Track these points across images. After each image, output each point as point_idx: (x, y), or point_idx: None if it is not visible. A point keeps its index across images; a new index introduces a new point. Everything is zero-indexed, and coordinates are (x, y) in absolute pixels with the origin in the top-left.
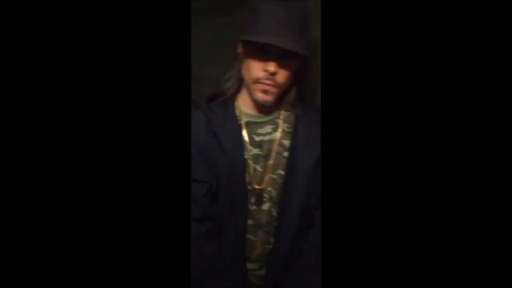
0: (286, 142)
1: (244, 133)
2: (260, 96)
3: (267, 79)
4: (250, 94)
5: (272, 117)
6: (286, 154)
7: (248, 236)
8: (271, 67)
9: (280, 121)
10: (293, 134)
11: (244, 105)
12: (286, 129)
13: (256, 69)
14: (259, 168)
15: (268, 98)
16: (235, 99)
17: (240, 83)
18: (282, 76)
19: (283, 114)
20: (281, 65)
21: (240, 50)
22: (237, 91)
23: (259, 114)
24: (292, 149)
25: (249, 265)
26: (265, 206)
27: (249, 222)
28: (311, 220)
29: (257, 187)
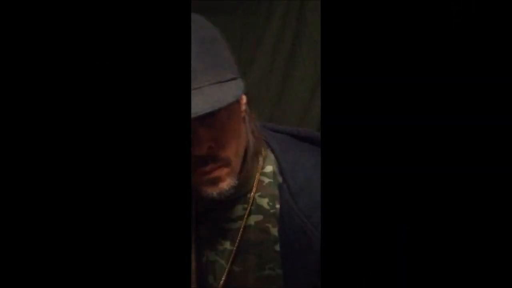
0: (272, 228)
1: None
2: (210, 190)
3: (205, 158)
4: (198, 191)
5: (243, 191)
6: (276, 247)
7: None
8: (207, 142)
9: (257, 196)
10: (280, 217)
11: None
12: (269, 209)
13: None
14: (236, 268)
15: (223, 185)
16: None
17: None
18: (226, 146)
19: (261, 183)
20: (215, 125)
21: None
22: None
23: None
24: (281, 241)
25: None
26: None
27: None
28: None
29: None
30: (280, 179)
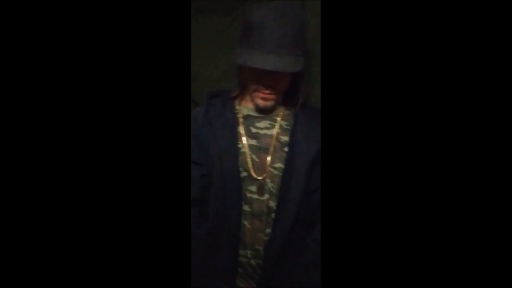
0: (284, 138)
1: (241, 126)
2: (261, 102)
3: (266, 88)
4: (251, 98)
5: (272, 114)
6: (286, 149)
7: (244, 222)
8: (269, 81)
9: (278, 119)
10: (292, 131)
11: (245, 104)
12: (284, 126)
13: (254, 81)
14: (256, 159)
15: (268, 103)
16: (237, 99)
17: (242, 87)
18: (280, 84)
19: (281, 112)
20: (278, 77)
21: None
22: (240, 93)
23: (258, 114)
24: (290, 145)
25: (242, 251)
26: (265, 197)
27: (245, 208)
28: (314, 218)
29: (258, 177)
30: (295, 114)
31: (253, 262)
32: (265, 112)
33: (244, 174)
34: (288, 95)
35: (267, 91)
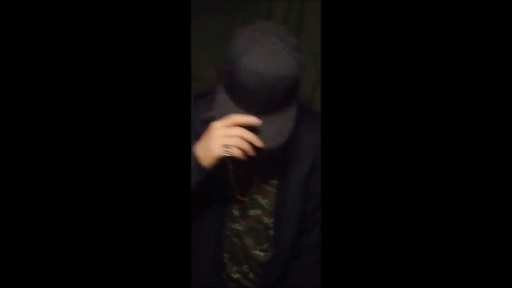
0: (266, 219)
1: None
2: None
3: None
4: None
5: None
6: (269, 230)
7: (234, 239)
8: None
9: (259, 197)
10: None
11: None
12: (266, 206)
13: None
14: (242, 173)
15: None
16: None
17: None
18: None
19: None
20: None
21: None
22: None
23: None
24: (287, 158)
25: (236, 268)
26: (251, 213)
27: (234, 226)
28: (311, 223)
29: (240, 198)
30: None
31: (251, 275)
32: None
33: (227, 191)
34: None
35: None
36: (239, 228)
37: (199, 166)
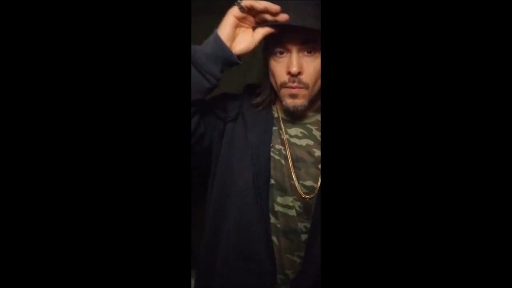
0: (318, 152)
1: (273, 127)
2: (290, 102)
3: (292, 82)
4: (281, 103)
5: (305, 121)
6: (319, 165)
7: (272, 237)
8: (293, 67)
9: (314, 128)
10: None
11: (279, 106)
12: (319, 138)
13: (279, 73)
14: (283, 168)
15: (299, 102)
16: (271, 108)
17: (273, 93)
18: (307, 75)
19: (318, 119)
20: (304, 61)
21: (265, 55)
22: (272, 102)
23: (291, 118)
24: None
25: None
26: (291, 213)
27: (273, 221)
28: None
29: (304, 196)
30: None
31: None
32: (297, 116)
33: (272, 182)
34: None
35: (294, 84)
36: (277, 225)
37: (222, 47)
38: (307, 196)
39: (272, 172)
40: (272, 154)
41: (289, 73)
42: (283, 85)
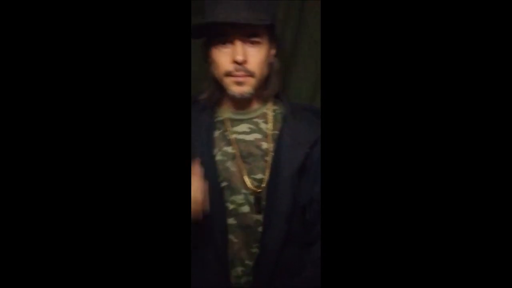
0: (265, 145)
1: (217, 131)
2: (236, 89)
3: (237, 70)
4: (226, 91)
5: (252, 115)
6: (267, 158)
7: (230, 236)
8: (238, 55)
9: (260, 121)
10: (277, 137)
11: (225, 106)
12: (265, 130)
13: (224, 62)
14: (232, 168)
15: (245, 89)
16: (217, 103)
17: (218, 87)
18: (253, 63)
19: (266, 114)
20: (249, 51)
21: (206, 49)
22: (219, 98)
23: (239, 111)
24: (275, 153)
25: (232, 271)
26: (245, 209)
27: (230, 221)
28: (311, 237)
29: (253, 189)
30: (282, 117)
31: (243, 279)
32: (245, 106)
33: (224, 184)
34: (269, 89)
35: (239, 72)
36: (235, 223)
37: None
38: (258, 190)
39: (224, 175)
40: (219, 157)
41: (234, 61)
42: (228, 74)
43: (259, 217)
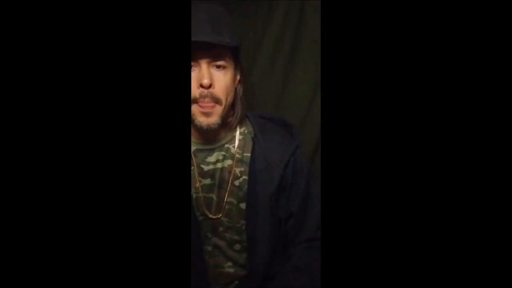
0: (238, 170)
1: (192, 166)
2: (203, 120)
3: (204, 97)
4: (193, 122)
5: (222, 142)
6: (237, 183)
7: (208, 261)
8: (205, 79)
9: (231, 147)
10: (250, 160)
11: (193, 139)
12: (238, 156)
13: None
14: (214, 198)
15: (212, 120)
16: None
17: None
18: (219, 89)
19: (235, 138)
20: (215, 75)
21: None
22: None
23: (206, 142)
24: (249, 177)
25: None
26: (221, 243)
27: (208, 248)
28: (296, 247)
29: (213, 216)
30: (251, 138)
31: None
32: (212, 136)
33: (201, 217)
34: (235, 115)
35: (206, 100)
36: (211, 249)
37: None
38: (214, 216)
39: (203, 209)
40: (195, 194)
41: (200, 85)
42: (195, 100)
43: (236, 237)
